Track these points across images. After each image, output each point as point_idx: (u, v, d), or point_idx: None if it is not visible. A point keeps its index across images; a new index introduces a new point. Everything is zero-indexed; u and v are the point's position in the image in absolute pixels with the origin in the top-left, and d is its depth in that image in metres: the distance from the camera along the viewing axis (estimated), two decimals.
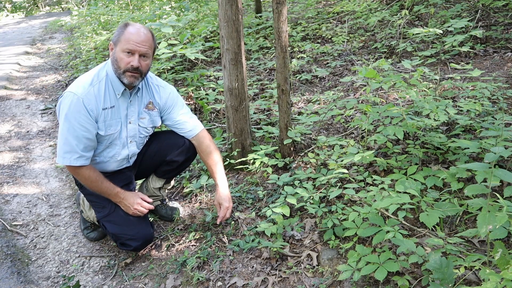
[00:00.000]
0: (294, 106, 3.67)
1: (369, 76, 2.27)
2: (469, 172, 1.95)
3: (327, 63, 4.62)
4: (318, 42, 5.32)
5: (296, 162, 2.65)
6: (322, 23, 5.85)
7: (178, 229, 2.41)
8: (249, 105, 2.91)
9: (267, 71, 4.73)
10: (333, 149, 2.54)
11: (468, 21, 3.63)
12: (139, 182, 2.62)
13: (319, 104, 3.60)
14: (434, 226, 1.89)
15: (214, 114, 3.81)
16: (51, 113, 4.79)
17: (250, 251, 2.10)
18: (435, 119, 2.24)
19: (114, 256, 2.34)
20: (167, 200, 2.62)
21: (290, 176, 2.46)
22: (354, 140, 2.73)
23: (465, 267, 1.53)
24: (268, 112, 3.58)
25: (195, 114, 3.49)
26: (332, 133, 3.08)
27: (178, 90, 2.66)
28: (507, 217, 1.35)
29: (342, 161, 2.18)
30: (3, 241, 2.53)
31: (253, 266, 2.00)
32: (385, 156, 2.53)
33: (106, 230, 2.21)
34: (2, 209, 2.91)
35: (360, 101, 3.24)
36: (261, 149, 2.69)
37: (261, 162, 2.60)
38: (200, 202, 2.63)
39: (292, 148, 2.71)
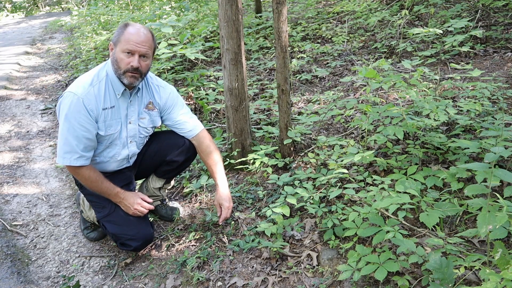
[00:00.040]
0: (294, 106, 3.67)
1: (369, 76, 2.27)
2: (469, 172, 1.95)
3: (327, 63, 4.62)
4: (318, 42, 5.32)
5: (296, 162, 2.65)
6: (322, 23, 5.85)
7: (178, 229, 2.41)
8: (249, 105, 2.91)
9: (267, 71, 4.73)
10: (333, 149, 2.54)
11: (468, 21, 3.63)
12: (139, 182, 2.62)
13: (319, 104, 3.60)
14: (434, 226, 1.89)
15: (214, 114, 3.81)
16: (51, 113, 4.79)
17: (250, 251, 2.10)
18: (435, 119, 2.24)
19: (114, 256, 2.34)
20: (167, 200, 2.62)
21: (290, 176, 2.46)
22: (354, 140, 2.73)
23: (465, 267, 1.53)
24: (268, 112, 3.58)
25: (195, 114, 3.49)
26: (332, 133, 3.08)
27: (178, 90, 2.66)
28: (507, 217, 1.35)
29: (342, 161, 2.18)
30: (3, 241, 2.53)
31: (253, 266, 2.00)
32: (385, 156, 2.53)
33: (106, 230, 2.21)
34: (2, 209, 2.91)
35: (360, 101, 3.24)
36: (261, 149, 2.69)
37: (261, 162, 2.60)
38: (200, 202, 2.63)
39: (292, 148, 2.71)
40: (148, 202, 2.18)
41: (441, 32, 2.84)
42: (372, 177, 2.15)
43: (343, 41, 5.12)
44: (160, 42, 3.72)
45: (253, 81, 4.37)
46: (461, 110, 2.69)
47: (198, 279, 1.97)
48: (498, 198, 1.49)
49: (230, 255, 2.10)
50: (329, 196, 2.07)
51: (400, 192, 1.85)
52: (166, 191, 2.63)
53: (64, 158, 1.99)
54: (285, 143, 2.63)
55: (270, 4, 7.11)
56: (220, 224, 2.33)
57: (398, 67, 3.99)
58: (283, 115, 2.62)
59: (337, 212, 2.07)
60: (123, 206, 2.15)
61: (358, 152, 2.17)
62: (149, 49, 1.98)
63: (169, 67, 4.41)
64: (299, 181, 2.38)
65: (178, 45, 3.80)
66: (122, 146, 2.16)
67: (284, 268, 1.96)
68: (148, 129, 2.24)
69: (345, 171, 2.07)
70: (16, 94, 5.56)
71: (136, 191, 2.40)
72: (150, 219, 2.34)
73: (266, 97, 3.92)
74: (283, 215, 2.18)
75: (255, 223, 2.29)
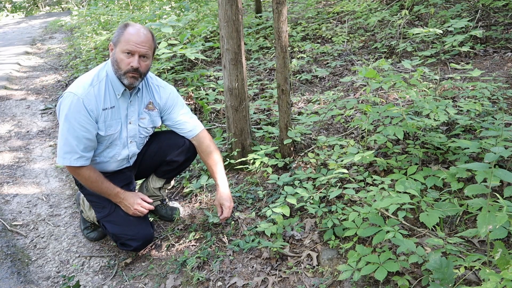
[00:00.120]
0: (294, 106, 3.67)
1: (369, 76, 2.27)
2: (469, 172, 1.95)
3: (327, 63, 4.62)
4: (318, 42, 5.32)
5: (296, 162, 2.65)
6: (322, 23, 5.85)
7: (178, 229, 2.41)
8: (249, 105, 2.91)
9: (267, 71, 4.73)
10: (333, 149, 2.54)
11: (468, 21, 3.63)
12: (139, 182, 2.62)
13: (319, 104, 3.60)
14: (434, 226, 1.89)
15: (214, 114, 3.81)
16: (51, 113, 4.79)
17: (250, 251, 2.10)
18: (435, 119, 2.24)
19: (114, 256, 2.34)
20: (167, 200, 2.62)
21: (290, 176, 2.46)
22: (354, 140, 2.73)
23: (465, 267, 1.53)
24: (268, 112, 3.58)
25: (195, 114, 3.49)
26: (332, 133, 3.08)
27: (178, 90, 2.67)
28: (507, 217, 1.35)
29: (342, 161, 2.18)
30: (3, 241, 2.53)
31: (253, 266, 2.00)
32: (385, 156, 2.53)
33: (106, 230, 2.21)
34: (2, 209, 2.91)
35: (360, 101, 3.24)
36: (261, 149, 2.69)
37: (261, 162, 2.60)
38: (200, 202, 2.63)
39: (292, 148, 2.71)
40: (148, 202, 2.18)
41: (441, 32, 2.84)
42: (372, 177, 2.15)
43: (343, 41, 5.12)
44: (160, 42, 3.72)
45: (253, 81, 4.37)
46: (461, 110, 2.69)
47: (198, 279, 1.97)
48: (498, 198, 1.49)
49: (230, 255, 2.10)
50: (329, 196, 2.07)
51: (400, 192, 1.85)
52: (166, 191, 2.63)
53: (64, 159, 1.99)
54: (285, 143, 2.63)
55: (270, 4, 7.11)
56: (221, 224, 2.33)
57: (398, 67, 3.99)
58: (283, 115, 2.62)
59: (337, 212, 2.07)
60: (123, 206, 2.15)
61: (358, 152, 2.17)
62: (149, 49, 1.98)
63: (169, 67, 4.41)
64: (299, 181, 2.38)
65: (178, 45, 3.80)
66: (122, 146, 2.16)
67: (284, 268, 1.96)
68: (148, 129, 2.24)
69: (345, 171, 2.07)
70: (16, 94, 5.56)
71: (136, 191, 2.40)
72: (150, 219, 2.34)
73: (266, 97, 3.93)
74: (283, 215, 2.18)
75: (255, 223, 2.29)
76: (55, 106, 3.41)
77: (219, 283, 1.95)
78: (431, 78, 3.18)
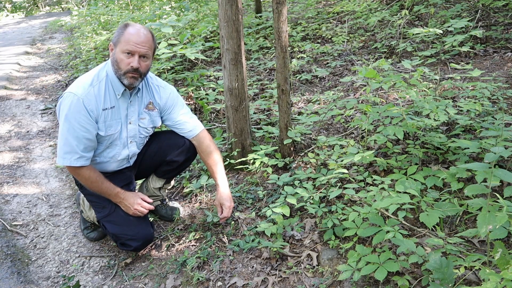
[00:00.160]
0: (294, 106, 3.67)
1: (369, 76, 2.27)
2: (469, 172, 1.95)
3: (327, 63, 4.62)
4: (318, 42, 5.32)
5: (296, 162, 2.65)
6: (322, 23, 5.85)
7: (178, 229, 2.41)
8: (249, 105, 2.91)
9: (267, 71, 4.73)
10: (333, 149, 2.54)
11: (468, 21, 3.63)
12: (139, 182, 2.62)
13: (319, 104, 3.61)
14: (434, 226, 1.89)
15: (214, 114, 3.81)
16: (51, 113, 4.79)
17: (250, 251, 2.10)
18: (435, 119, 2.24)
19: (114, 256, 2.34)
20: (167, 200, 2.62)
21: (290, 176, 2.46)
22: (354, 140, 2.73)
23: (465, 267, 1.53)
24: (268, 112, 3.58)
25: (195, 114, 3.49)
26: (332, 133, 3.08)
27: (178, 90, 2.66)
28: (507, 217, 1.35)
29: (342, 161, 2.18)
30: (3, 241, 2.53)
31: (253, 266, 2.00)
32: (385, 156, 2.53)
33: (106, 230, 2.21)
34: (2, 209, 2.91)
35: (360, 101, 3.24)
36: (261, 149, 2.69)
37: (261, 162, 2.60)
38: (200, 202, 2.63)
39: (292, 148, 2.71)
40: (148, 202, 2.18)
41: (441, 32, 2.84)
42: (372, 177, 2.15)
43: (343, 41, 5.12)
44: (160, 42, 3.72)
45: (253, 81, 4.37)
46: (461, 110, 2.69)
47: (198, 279, 1.97)
48: (498, 198, 1.49)
49: (230, 255, 2.10)
50: (329, 196, 2.07)
51: (400, 192, 1.85)
52: (166, 191, 2.63)
53: (64, 159, 1.99)
54: (285, 143, 2.63)
55: (270, 4, 7.11)
56: (221, 224, 2.33)
57: (398, 67, 3.99)
58: (283, 115, 2.62)
59: (337, 212, 2.07)
60: (123, 206, 2.15)
61: (358, 152, 2.17)
62: (149, 49, 1.97)
63: (169, 67, 4.41)
64: (299, 181, 2.38)
65: (178, 45, 3.80)
66: (122, 146, 2.16)
67: (284, 268, 1.96)
68: (148, 129, 2.24)
69: (345, 171, 2.07)
70: (16, 94, 5.56)
71: (136, 191, 2.40)
72: (150, 219, 2.34)
73: (266, 97, 3.93)
74: (283, 215, 2.18)
75: (255, 223, 2.29)
76: (55, 106, 3.41)
77: (219, 283, 1.95)
78: (431, 78, 3.18)
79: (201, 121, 2.65)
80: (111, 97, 2.03)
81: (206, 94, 3.85)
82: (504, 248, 1.40)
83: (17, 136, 4.21)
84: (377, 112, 2.44)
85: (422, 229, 1.92)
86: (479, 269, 1.45)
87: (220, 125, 3.48)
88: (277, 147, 2.77)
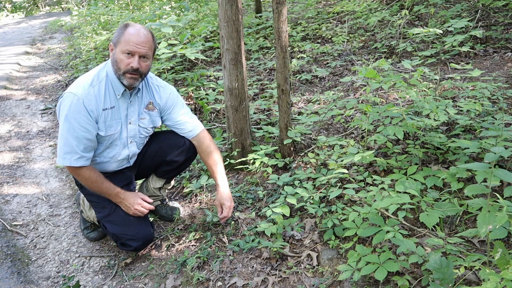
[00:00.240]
0: (294, 106, 3.67)
1: (369, 76, 2.27)
2: (469, 172, 1.95)
3: (327, 63, 4.62)
4: (318, 42, 5.32)
5: (296, 162, 2.65)
6: (322, 23, 5.85)
7: (178, 229, 2.41)
8: (249, 105, 2.91)
9: (267, 71, 4.73)
10: (333, 149, 2.54)
11: (468, 21, 3.63)
12: (139, 182, 2.62)
13: (319, 104, 3.61)
14: (434, 226, 1.89)
15: (214, 114, 3.81)
16: (51, 113, 4.79)
17: (250, 251, 2.10)
18: (435, 119, 2.24)
19: (114, 256, 2.34)
20: (167, 200, 2.62)
21: (290, 176, 2.46)
22: (354, 140, 2.73)
23: (465, 267, 1.53)
24: (268, 112, 3.58)
25: (195, 114, 3.49)
26: (332, 133, 3.08)
27: (178, 90, 2.67)
28: (507, 217, 1.35)
29: (342, 161, 2.18)
30: (3, 241, 2.53)
31: (253, 266, 2.00)
32: (385, 156, 2.53)
33: (106, 230, 2.21)
34: (2, 209, 2.91)
35: (360, 101, 3.24)
36: (261, 149, 2.69)
37: (261, 162, 2.60)
38: (200, 202, 2.63)
39: (292, 148, 2.71)
40: (148, 202, 2.18)
41: (441, 32, 2.84)
42: (372, 177, 2.15)
43: (343, 41, 5.12)
44: (160, 42, 3.72)
45: (253, 81, 4.37)
46: (461, 110, 2.69)
47: (198, 279, 1.97)
48: (498, 198, 1.49)
49: (230, 255, 2.10)
50: (329, 196, 2.07)
51: (400, 192, 1.85)
52: (166, 191, 2.63)
53: (64, 159, 1.99)
54: (285, 143, 2.63)
55: (270, 4, 7.11)
56: (221, 224, 2.33)
57: (398, 67, 3.99)
58: (283, 115, 2.62)
59: (337, 212, 2.07)
60: (123, 206, 2.15)
61: (358, 152, 2.17)
62: (149, 50, 1.97)
63: (169, 67, 4.41)
64: (299, 181, 2.38)
65: (178, 45, 3.80)
66: (122, 146, 2.16)
67: (284, 268, 1.96)
68: (148, 129, 2.24)
69: (345, 171, 2.07)
70: (16, 94, 5.56)
71: (136, 191, 2.40)
72: (150, 219, 2.34)
73: (266, 97, 3.93)
74: (283, 215, 2.18)
75: (255, 223, 2.29)
76: (55, 106, 3.41)
77: (219, 283, 1.95)
78: (431, 78, 3.18)
79: (201, 121, 2.65)
80: (111, 97, 2.03)
81: (206, 94, 3.85)
82: (504, 248, 1.40)
83: (17, 136, 4.21)
84: (377, 112, 2.44)
85: (422, 229, 1.92)
86: (479, 269, 1.45)
87: (220, 125, 3.48)
88: (277, 147, 2.77)
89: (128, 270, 2.21)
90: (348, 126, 3.08)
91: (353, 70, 4.19)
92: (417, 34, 3.94)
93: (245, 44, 3.66)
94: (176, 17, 4.27)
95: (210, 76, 4.52)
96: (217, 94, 3.86)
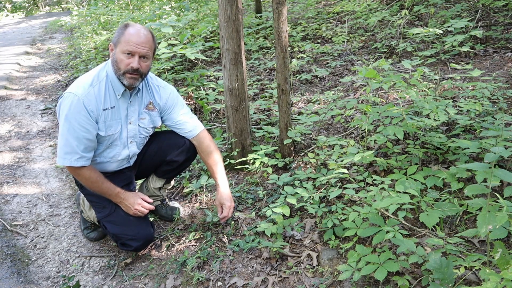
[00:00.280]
0: (294, 106, 3.67)
1: (369, 76, 2.27)
2: (469, 172, 1.95)
3: (327, 63, 4.62)
4: (318, 42, 5.32)
5: (296, 162, 2.65)
6: (322, 23, 5.85)
7: (178, 229, 2.41)
8: (249, 105, 2.91)
9: (267, 71, 4.73)
10: (333, 149, 2.54)
11: (468, 21, 3.63)
12: (139, 182, 2.62)
13: (319, 104, 3.61)
14: (434, 226, 1.89)
15: (214, 114, 3.81)
16: (51, 113, 4.79)
17: (250, 251, 2.10)
18: (435, 119, 2.24)
19: (114, 256, 2.34)
20: (167, 200, 2.62)
21: (290, 176, 2.46)
22: (354, 140, 2.73)
23: (465, 267, 1.53)
24: (268, 112, 3.58)
25: (195, 114, 3.49)
26: (332, 133, 3.08)
27: (178, 90, 2.67)
28: (507, 217, 1.35)
29: (342, 161, 2.18)
30: (3, 241, 2.53)
31: (253, 266, 2.00)
32: (385, 156, 2.53)
33: (106, 230, 2.21)
34: (2, 209, 2.91)
35: (360, 101, 3.24)
36: (261, 149, 2.69)
37: (261, 162, 2.60)
38: (200, 202, 2.63)
39: (292, 148, 2.71)
40: (149, 202, 2.18)
41: (441, 32, 2.84)
42: (372, 177, 2.15)
43: (343, 41, 5.12)
44: (160, 42, 3.72)
45: (253, 81, 4.37)
46: (461, 110, 2.69)
47: (198, 279, 1.97)
48: (498, 198, 1.49)
49: (230, 255, 2.10)
50: (329, 196, 2.07)
51: (400, 192, 1.85)
52: (166, 191, 2.63)
53: (65, 159, 1.99)
54: (285, 143, 2.63)
55: (270, 4, 7.11)
56: (221, 224, 2.33)
57: (398, 67, 3.99)
58: (283, 115, 2.62)
59: (337, 212, 2.07)
60: (123, 206, 2.15)
61: (358, 152, 2.17)
62: (149, 50, 1.97)
63: (169, 67, 4.41)
64: (299, 181, 2.38)
65: (178, 45, 3.80)
66: (123, 146, 2.16)
67: (284, 268, 1.96)
68: (148, 129, 2.24)
69: (345, 171, 2.07)
70: (16, 94, 5.56)
71: (136, 191, 2.40)
72: (150, 219, 2.34)
73: (266, 97, 3.93)
74: (283, 215, 2.18)
75: (255, 223, 2.29)
76: (55, 106, 3.41)
77: (219, 283, 1.95)
78: (431, 78, 3.18)
79: (201, 121, 2.65)
80: (111, 97, 2.03)
81: (206, 94, 3.85)
82: (504, 248, 1.40)
83: (17, 136, 4.21)
84: (377, 112, 2.44)
85: (422, 229, 1.92)
86: (479, 269, 1.45)
87: (220, 125, 3.48)
88: (277, 147, 2.77)
89: (128, 270, 2.21)
90: (348, 126, 3.08)
91: (353, 70, 4.19)
92: (417, 34, 3.94)
93: (245, 44, 3.66)
94: (176, 17, 4.27)
95: (210, 76, 4.52)
96: (217, 94, 3.86)
